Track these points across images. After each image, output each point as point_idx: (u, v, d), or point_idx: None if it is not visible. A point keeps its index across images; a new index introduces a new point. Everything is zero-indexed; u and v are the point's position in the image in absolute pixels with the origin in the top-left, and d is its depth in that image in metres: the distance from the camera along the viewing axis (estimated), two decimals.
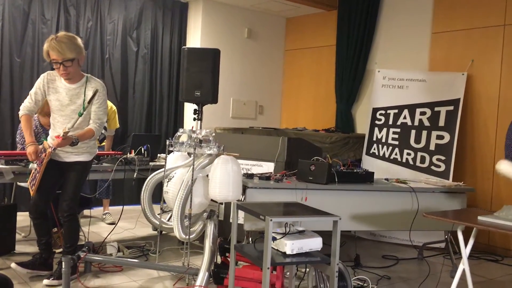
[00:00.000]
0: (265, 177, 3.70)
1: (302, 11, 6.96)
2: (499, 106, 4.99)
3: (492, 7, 5.03)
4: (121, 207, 4.52)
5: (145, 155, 4.36)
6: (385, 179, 4.24)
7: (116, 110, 5.30)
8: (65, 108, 3.37)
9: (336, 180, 3.74)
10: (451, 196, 4.03)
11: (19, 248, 4.05)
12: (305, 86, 7.22)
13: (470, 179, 5.09)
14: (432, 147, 5.14)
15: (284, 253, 2.52)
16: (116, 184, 5.49)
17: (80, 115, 3.30)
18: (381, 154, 5.41)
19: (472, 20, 5.19)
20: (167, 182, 3.53)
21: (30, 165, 3.56)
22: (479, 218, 2.41)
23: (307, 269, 3.12)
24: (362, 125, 6.20)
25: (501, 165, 2.45)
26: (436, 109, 5.19)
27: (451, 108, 5.12)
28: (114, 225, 4.75)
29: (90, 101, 3.31)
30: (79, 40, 3.37)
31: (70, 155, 3.42)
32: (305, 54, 7.21)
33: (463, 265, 2.55)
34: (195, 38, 6.68)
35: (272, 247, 2.53)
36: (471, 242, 2.57)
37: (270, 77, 7.42)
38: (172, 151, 3.54)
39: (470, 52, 5.21)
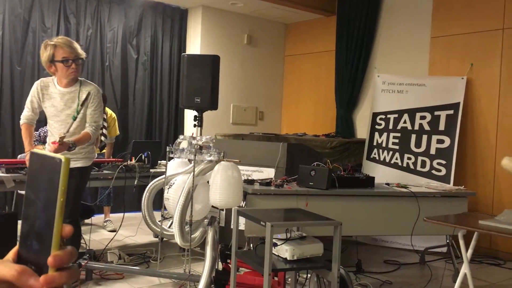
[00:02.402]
0: (265, 183, 3.70)
1: (301, 17, 6.99)
2: (499, 110, 4.99)
3: (491, 11, 5.05)
4: (122, 214, 4.51)
5: (146, 162, 4.36)
6: (386, 184, 4.24)
7: (116, 117, 5.31)
8: (60, 113, 3.38)
9: (337, 185, 3.74)
10: (452, 200, 4.03)
11: None
12: (305, 91, 7.23)
13: (471, 183, 5.08)
14: (432, 151, 5.14)
15: (285, 259, 2.51)
16: (116, 191, 5.49)
17: (74, 118, 3.31)
18: (381, 158, 5.41)
19: (471, 24, 5.20)
20: (168, 189, 3.53)
21: None
22: (480, 222, 2.40)
23: (309, 275, 3.11)
24: (362, 130, 6.21)
25: (504, 160, 2.46)
26: (436, 113, 5.19)
27: (451, 112, 5.12)
28: (115, 233, 4.75)
29: (83, 104, 3.32)
30: None
31: None
32: (305, 59, 7.23)
33: (465, 269, 2.54)
34: (195, 45, 6.71)
35: (273, 253, 2.53)
36: (472, 246, 2.57)
37: (270, 83, 7.44)
38: (172, 157, 3.54)
39: (469, 56, 5.22)
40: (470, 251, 2.57)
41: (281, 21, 7.36)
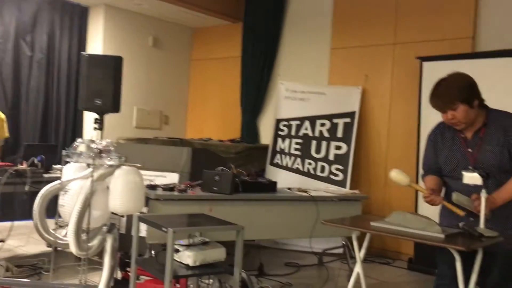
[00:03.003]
0: (169, 188, 3.64)
1: (208, 22, 6.99)
2: (390, 118, 5.38)
3: (383, 27, 5.44)
4: (10, 223, 4.17)
5: (39, 167, 4.09)
6: (288, 189, 4.37)
7: (4, 118, 4.93)
8: None
9: (241, 190, 3.78)
10: (348, 203, 4.25)
11: None
12: (211, 96, 7.24)
13: (365, 187, 5.41)
14: (331, 157, 5.40)
15: (187, 265, 2.49)
16: (5, 198, 5.06)
17: None
18: (284, 164, 5.57)
19: (366, 38, 5.56)
20: (63, 195, 3.32)
21: None
22: (371, 223, 2.56)
23: (211, 280, 3.10)
24: (266, 136, 6.34)
25: (391, 173, 2.62)
26: (335, 121, 5.47)
27: (348, 120, 5.42)
28: (2, 243, 4.38)
29: None
30: None
31: None
32: (211, 64, 7.24)
33: (358, 269, 2.69)
34: (96, 44, 6.42)
35: (175, 260, 2.49)
36: (365, 246, 2.72)
37: (176, 87, 7.34)
38: (69, 162, 3.35)
39: (364, 67, 5.57)
40: (363, 251, 2.72)
41: (188, 25, 7.31)
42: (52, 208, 3.72)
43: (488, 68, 4.44)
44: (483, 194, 2.36)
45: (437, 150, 2.68)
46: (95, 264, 3.98)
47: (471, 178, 2.45)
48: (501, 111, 2.56)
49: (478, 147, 2.50)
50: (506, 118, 2.51)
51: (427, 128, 2.82)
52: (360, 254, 2.71)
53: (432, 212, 2.70)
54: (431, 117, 2.69)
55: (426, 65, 4.86)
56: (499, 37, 4.71)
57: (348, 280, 3.11)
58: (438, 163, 2.68)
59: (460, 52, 4.78)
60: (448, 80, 2.51)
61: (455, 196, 2.46)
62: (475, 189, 2.44)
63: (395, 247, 5.24)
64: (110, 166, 3.23)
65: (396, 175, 2.60)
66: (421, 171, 2.84)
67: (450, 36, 4.95)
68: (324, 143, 5.45)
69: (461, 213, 2.48)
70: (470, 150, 2.53)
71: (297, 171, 5.50)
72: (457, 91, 2.45)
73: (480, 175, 2.38)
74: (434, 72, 4.74)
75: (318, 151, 5.46)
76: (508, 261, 2.52)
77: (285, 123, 5.66)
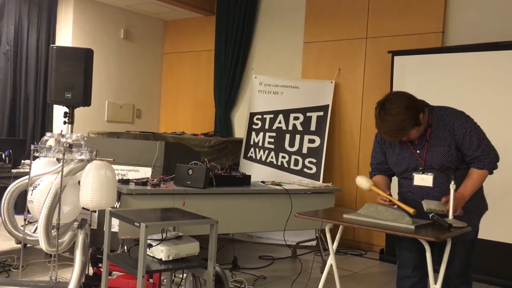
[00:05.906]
0: (141, 182, 3.60)
1: (180, 14, 6.92)
2: (362, 112, 5.44)
3: (356, 21, 5.48)
4: None
5: (7, 162, 3.99)
6: (262, 182, 4.38)
7: None
8: None
9: (214, 184, 3.77)
10: (321, 196, 4.29)
11: None
12: (184, 90, 7.18)
13: (338, 180, 5.47)
14: (304, 151, 5.43)
15: (161, 259, 2.47)
16: None
17: None
18: (258, 157, 5.57)
19: (339, 32, 5.60)
20: (32, 190, 3.25)
21: None
22: (344, 216, 2.58)
23: (185, 275, 3.09)
24: (240, 130, 6.34)
25: (358, 179, 2.68)
26: (308, 114, 5.49)
27: (321, 113, 5.46)
28: None
29: None
30: None
31: None
32: (184, 58, 7.18)
33: (331, 260, 2.72)
34: (65, 36, 6.28)
35: (148, 254, 2.47)
36: (337, 239, 2.75)
37: (148, 80, 7.25)
38: (38, 157, 3.27)
39: (337, 61, 5.61)
40: (336, 243, 2.75)
41: (159, 17, 7.22)
42: (21, 204, 3.64)
43: (457, 62, 4.54)
44: (452, 186, 2.41)
45: (384, 152, 2.73)
46: (66, 260, 3.92)
47: (422, 179, 2.53)
48: (443, 108, 2.57)
49: (426, 148, 2.54)
50: (448, 116, 2.52)
51: None
52: (333, 246, 2.74)
53: None
54: None
55: (398, 59, 4.92)
56: (468, 32, 4.81)
57: (322, 272, 3.15)
58: (385, 164, 2.74)
59: (430, 46, 4.87)
60: (392, 113, 2.40)
61: (425, 205, 2.47)
62: (427, 188, 2.54)
63: (367, 238, 5.32)
64: (81, 160, 3.18)
65: (359, 180, 2.66)
66: (369, 169, 2.89)
67: (421, 31, 5.03)
68: (297, 137, 5.48)
69: (410, 210, 2.47)
70: (418, 151, 2.57)
71: (271, 164, 5.51)
72: (407, 124, 2.40)
73: (449, 168, 2.43)
74: (405, 66, 4.84)
75: (291, 144, 5.48)
76: (467, 249, 2.61)
77: (259, 116, 5.66)
